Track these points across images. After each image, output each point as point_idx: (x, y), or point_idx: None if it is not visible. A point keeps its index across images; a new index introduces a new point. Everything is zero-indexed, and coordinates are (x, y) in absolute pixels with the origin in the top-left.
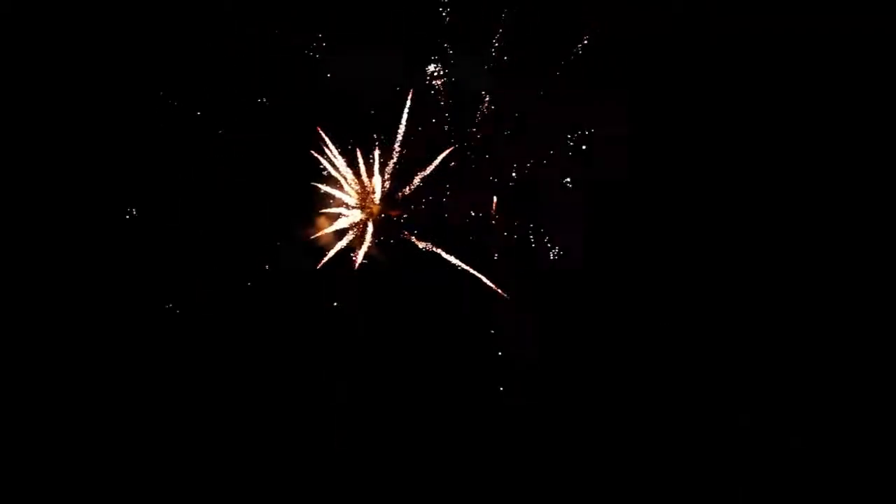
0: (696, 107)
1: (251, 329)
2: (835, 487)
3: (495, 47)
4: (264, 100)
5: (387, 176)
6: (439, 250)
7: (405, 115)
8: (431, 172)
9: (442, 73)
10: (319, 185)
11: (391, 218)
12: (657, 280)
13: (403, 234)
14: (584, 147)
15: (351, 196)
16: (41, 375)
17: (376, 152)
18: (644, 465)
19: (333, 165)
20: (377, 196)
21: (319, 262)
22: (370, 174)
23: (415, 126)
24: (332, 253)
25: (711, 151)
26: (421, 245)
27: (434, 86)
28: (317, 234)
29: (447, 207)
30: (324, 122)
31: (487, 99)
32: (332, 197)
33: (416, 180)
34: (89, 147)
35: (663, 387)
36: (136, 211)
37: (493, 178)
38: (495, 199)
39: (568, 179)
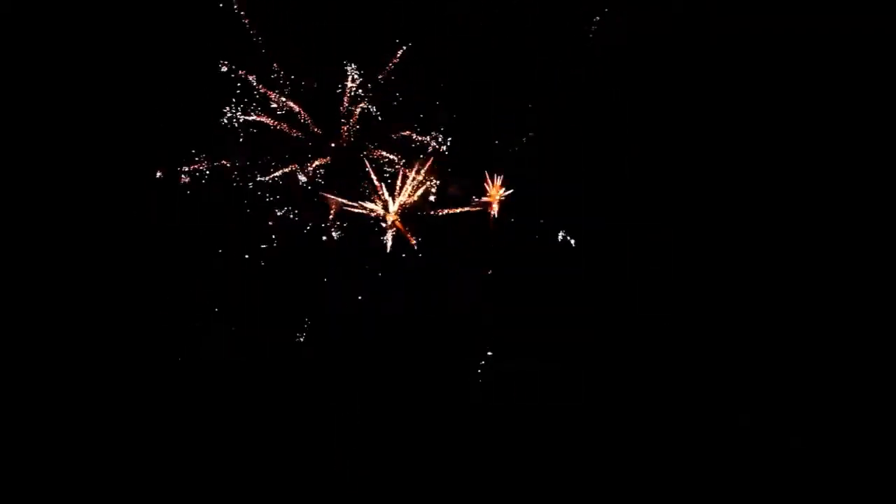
0: (696, 106)
1: (249, 329)
2: (835, 487)
3: (495, 46)
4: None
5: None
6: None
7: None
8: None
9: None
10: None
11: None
12: (657, 280)
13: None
14: (583, 147)
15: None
16: (38, 375)
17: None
18: (644, 465)
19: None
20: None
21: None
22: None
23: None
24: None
25: (711, 151)
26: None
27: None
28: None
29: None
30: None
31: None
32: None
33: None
34: (87, 147)
35: (663, 387)
36: (137, 211)
37: (491, 178)
38: (495, 208)
39: (567, 179)
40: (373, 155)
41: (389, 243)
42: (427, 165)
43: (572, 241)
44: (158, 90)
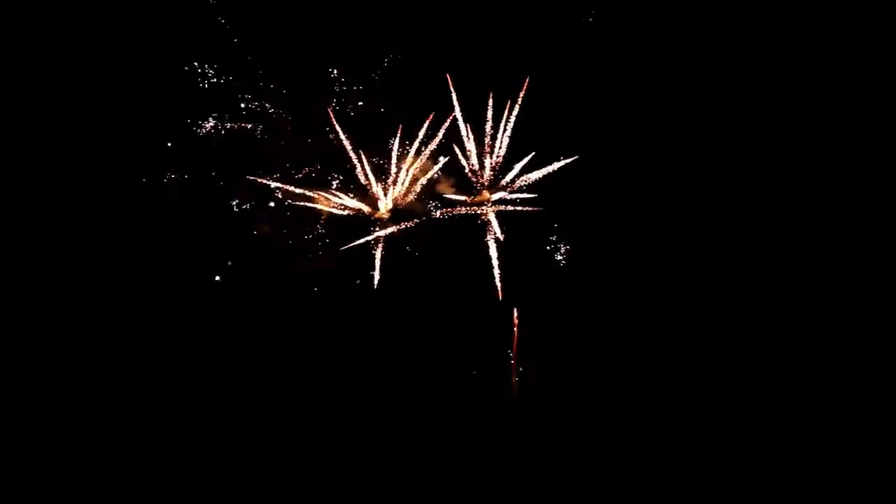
0: (696, 106)
1: (249, 329)
2: (835, 487)
3: (494, 47)
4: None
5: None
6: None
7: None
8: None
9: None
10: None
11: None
12: (657, 280)
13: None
14: (583, 148)
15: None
16: (35, 374)
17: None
18: (644, 464)
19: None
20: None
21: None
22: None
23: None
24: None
25: (710, 151)
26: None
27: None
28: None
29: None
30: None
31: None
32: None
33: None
34: (87, 146)
35: (664, 387)
36: (136, 211)
37: (488, 180)
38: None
39: (567, 179)
40: (364, 156)
41: (381, 246)
42: (419, 164)
43: (572, 241)
44: (154, 93)
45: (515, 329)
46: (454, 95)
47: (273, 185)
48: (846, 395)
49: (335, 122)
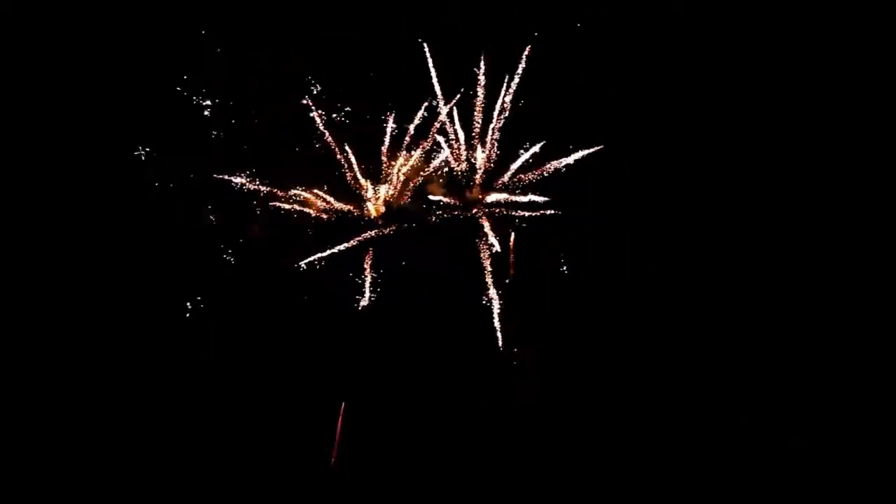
0: (696, 106)
1: (251, 326)
2: (835, 487)
3: (491, 48)
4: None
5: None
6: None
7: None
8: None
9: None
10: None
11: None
12: (657, 280)
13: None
14: (583, 147)
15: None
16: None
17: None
18: (644, 464)
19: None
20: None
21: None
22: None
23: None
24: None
25: (711, 151)
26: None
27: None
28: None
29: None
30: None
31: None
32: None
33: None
34: (87, 146)
35: (664, 387)
36: (138, 208)
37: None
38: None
39: (566, 178)
40: (353, 156)
41: (371, 247)
42: (411, 162)
43: (571, 241)
44: (142, 94)
45: (511, 255)
46: (431, 65)
47: (262, 186)
48: (846, 395)
49: (320, 123)
